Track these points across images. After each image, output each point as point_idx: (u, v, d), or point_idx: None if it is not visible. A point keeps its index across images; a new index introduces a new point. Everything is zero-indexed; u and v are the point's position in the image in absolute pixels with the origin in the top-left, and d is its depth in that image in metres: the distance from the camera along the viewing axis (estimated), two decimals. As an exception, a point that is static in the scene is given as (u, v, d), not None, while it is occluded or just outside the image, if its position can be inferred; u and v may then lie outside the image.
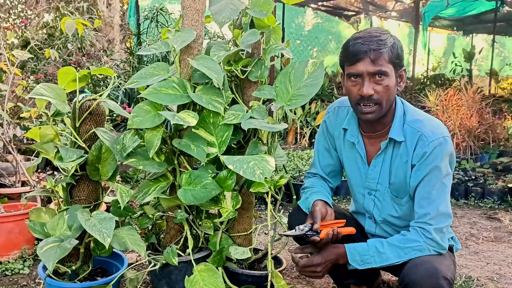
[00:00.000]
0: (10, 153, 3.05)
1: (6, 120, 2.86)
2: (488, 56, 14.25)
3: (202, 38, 1.86)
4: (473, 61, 11.81)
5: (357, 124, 1.82)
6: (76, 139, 1.69)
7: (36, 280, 2.18)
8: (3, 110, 2.85)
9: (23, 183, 2.93)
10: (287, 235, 1.70)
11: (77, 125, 1.70)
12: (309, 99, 1.81)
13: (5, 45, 3.88)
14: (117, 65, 5.92)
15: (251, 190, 1.78)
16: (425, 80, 11.24)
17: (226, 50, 1.88)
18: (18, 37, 6.10)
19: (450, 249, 1.88)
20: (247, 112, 1.83)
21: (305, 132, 6.43)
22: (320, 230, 1.66)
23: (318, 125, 2.26)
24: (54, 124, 1.65)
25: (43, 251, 1.53)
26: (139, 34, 7.01)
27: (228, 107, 1.85)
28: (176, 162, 1.89)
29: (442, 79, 11.29)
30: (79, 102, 1.69)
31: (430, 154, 1.66)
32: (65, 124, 1.69)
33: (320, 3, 10.69)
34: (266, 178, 1.70)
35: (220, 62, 1.83)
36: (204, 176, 1.75)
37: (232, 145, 1.97)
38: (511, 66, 15.38)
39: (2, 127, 2.94)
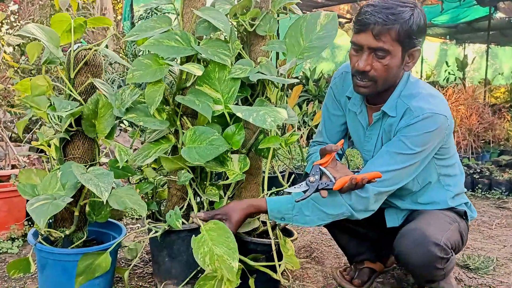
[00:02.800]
0: (1, 139, 2.90)
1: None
2: (480, 67, 14.32)
3: (207, -10, 1.75)
4: (465, 70, 11.84)
5: None
6: (71, 91, 1.55)
7: (31, 252, 2.00)
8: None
9: (13, 167, 2.77)
10: (301, 198, 1.52)
11: (72, 76, 1.56)
12: (322, 51, 1.69)
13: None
14: (110, 63, 5.79)
15: (260, 146, 1.65)
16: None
17: (231, 4, 1.77)
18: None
19: (462, 214, 1.76)
20: (255, 67, 1.71)
21: (303, 132, 6.33)
22: (335, 179, 1.50)
23: (316, 125, 2.15)
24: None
25: (34, 207, 1.37)
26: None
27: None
28: (178, 123, 1.75)
29: (436, 86, 11.28)
30: (74, 51, 1.56)
31: (411, 125, 1.53)
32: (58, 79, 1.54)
33: (314, 10, 10.71)
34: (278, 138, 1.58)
35: (227, 15, 1.71)
36: (210, 132, 1.61)
37: (239, 104, 1.84)
38: (504, 76, 15.47)
39: (-9, 109, 2.79)
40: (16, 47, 3.88)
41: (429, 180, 1.72)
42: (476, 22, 11.60)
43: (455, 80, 11.60)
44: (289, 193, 1.58)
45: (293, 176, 1.97)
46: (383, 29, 1.45)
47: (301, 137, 6.12)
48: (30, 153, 1.65)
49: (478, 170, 4.30)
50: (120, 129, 3.69)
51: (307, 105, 6.53)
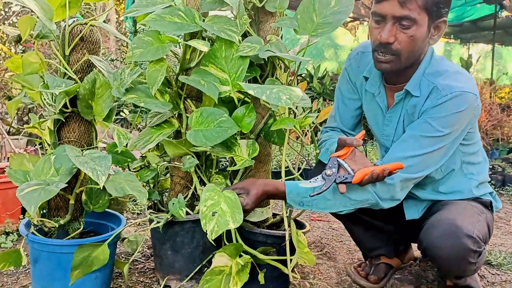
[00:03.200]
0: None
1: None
2: (483, 67, 14.20)
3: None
4: (470, 70, 11.71)
5: (380, 72, 1.57)
6: (66, 69, 1.43)
7: (22, 244, 1.88)
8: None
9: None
10: (316, 192, 1.38)
11: (67, 53, 1.44)
12: (337, 27, 1.56)
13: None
14: (112, 60, 5.69)
15: (273, 128, 1.52)
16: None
17: (239, -21, 1.65)
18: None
19: (488, 205, 1.63)
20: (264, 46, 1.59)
21: (307, 130, 6.20)
22: (353, 171, 1.38)
23: (321, 123, 2.02)
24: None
25: (24, 193, 1.25)
26: (136, 32, 6.83)
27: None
28: (182, 106, 1.63)
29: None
30: (69, 26, 1.44)
31: (439, 105, 1.40)
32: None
33: None
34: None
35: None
36: (219, 113, 1.49)
37: (247, 85, 1.72)
38: (508, 76, 15.33)
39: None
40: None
41: (453, 167, 1.59)
42: (481, 21, 11.48)
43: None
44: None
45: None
46: None
47: (305, 135, 6.02)
48: (20, 137, 1.51)
49: (490, 167, 4.17)
50: (120, 119, 3.56)
51: (311, 102, 6.42)
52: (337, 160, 1.41)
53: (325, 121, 1.96)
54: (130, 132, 1.54)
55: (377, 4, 1.39)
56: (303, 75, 7.57)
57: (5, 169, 2.38)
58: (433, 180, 1.59)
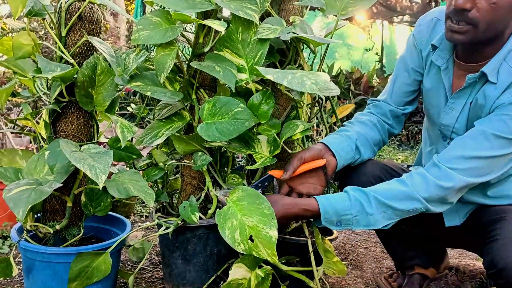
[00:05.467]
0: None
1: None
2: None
3: None
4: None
5: (452, 44, 1.33)
6: (62, 52, 1.25)
7: (16, 260, 1.72)
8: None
9: (10, 159, 2.50)
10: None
11: (63, 34, 1.27)
12: (370, 4, 1.37)
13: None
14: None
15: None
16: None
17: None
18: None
19: None
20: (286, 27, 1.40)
21: (321, 130, 6.00)
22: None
23: (334, 122, 1.82)
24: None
25: (11, 194, 1.08)
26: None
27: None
28: (194, 97, 1.45)
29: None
30: (66, 2, 1.26)
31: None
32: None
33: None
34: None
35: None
36: (234, 103, 1.31)
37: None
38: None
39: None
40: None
41: (510, 172, 1.38)
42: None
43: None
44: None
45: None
46: None
47: (320, 134, 5.82)
48: (13, 131, 1.34)
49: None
50: (125, 113, 3.38)
51: (325, 102, 6.22)
52: (272, 179, 1.36)
53: (340, 120, 1.77)
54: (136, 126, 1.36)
55: None
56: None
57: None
58: (486, 183, 1.38)
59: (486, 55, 1.26)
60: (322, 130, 5.44)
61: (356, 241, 2.24)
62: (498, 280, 1.20)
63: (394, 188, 1.26)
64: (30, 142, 2.75)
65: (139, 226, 2.28)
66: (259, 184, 1.34)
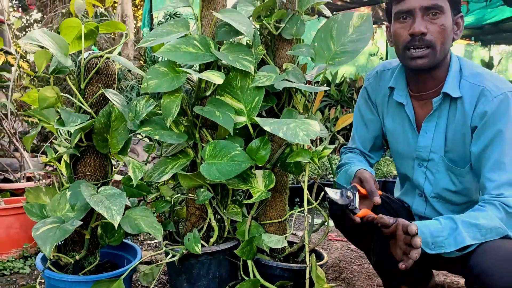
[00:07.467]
0: (16, 150, 2.81)
1: (11, 110, 2.63)
2: (506, 68, 13.89)
3: (227, -8, 1.61)
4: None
5: (405, 82, 1.54)
6: (81, 103, 1.42)
7: (38, 280, 1.89)
8: (7, 100, 2.62)
9: (29, 179, 2.68)
10: (331, 199, 1.40)
11: (82, 86, 1.44)
12: (355, 56, 1.53)
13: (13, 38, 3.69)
14: (129, 70, 5.72)
15: (289, 160, 1.49)
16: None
17: (255, 6, 1.63)
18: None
19: None
20: (280, 74, 1.56)
21: (325, 138, 6.12)
22: (358, 208, 1.41)
23: (338, 131, 1.98)
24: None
25: (40, 233, 1.25)
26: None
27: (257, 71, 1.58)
28: (197, 136, 1.61)
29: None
30: (84, 59, 1.43)
31: (495, 112, 1.36)
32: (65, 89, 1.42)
33: (334, 13, 10.47)
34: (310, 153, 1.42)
35: (250, 17, 1.57)
36: (232, 147, 1.47)
37: (263, 114, 1.70)
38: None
39: (7, 119, 2.71)
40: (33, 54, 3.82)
41: None
42: (502, 23, 11.24)
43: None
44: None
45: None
46: None
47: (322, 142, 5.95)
48: (39, 170, 1.51)
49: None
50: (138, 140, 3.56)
51: (329, 110, 6.33)
52: (357, 190, 1.43)
53: (342, 129, 1.92)
54: (146, 163, 1.53)
55: (402, 3, 1.39)
56: (320, 82, 7.50)
57: (24, 189, 2.41)
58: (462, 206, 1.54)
59: (437, 79, 1.46)
60: (336, 146, 5.59)
61: (350, 258, 2.39)
62: (474, 285, 1.26)
63: (476, 212, 1.34)
64: (45, 165, 2.92)
65: (148, 244, 2.44)
66: (352, 190, 1.42)
